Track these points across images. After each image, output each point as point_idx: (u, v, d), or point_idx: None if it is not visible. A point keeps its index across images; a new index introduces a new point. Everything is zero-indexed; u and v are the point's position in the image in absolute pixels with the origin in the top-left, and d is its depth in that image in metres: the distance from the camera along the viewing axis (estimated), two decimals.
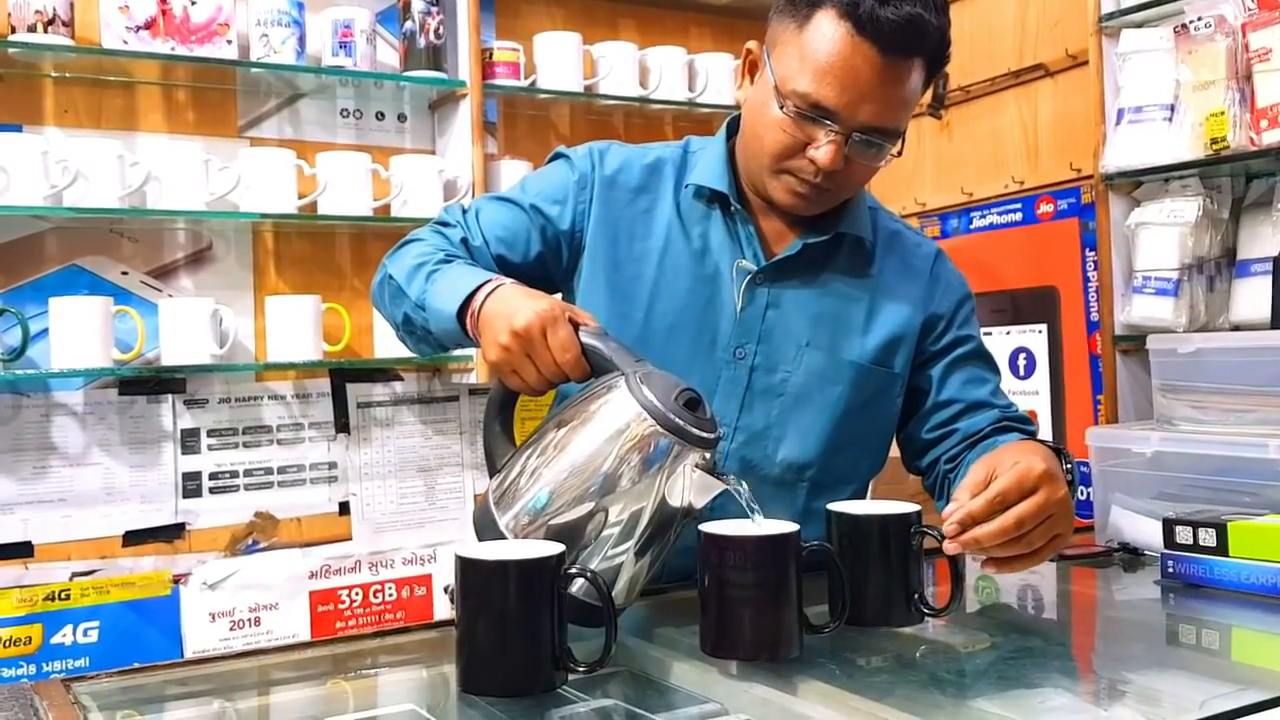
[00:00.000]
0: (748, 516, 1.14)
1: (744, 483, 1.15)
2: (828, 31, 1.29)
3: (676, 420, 1.11)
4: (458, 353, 2.75)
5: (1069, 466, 1.28)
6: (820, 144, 1.33)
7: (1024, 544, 1.17)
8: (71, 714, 1.06)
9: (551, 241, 1.47)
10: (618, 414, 1.13)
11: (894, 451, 1.58)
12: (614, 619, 1.05)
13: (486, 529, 1.17)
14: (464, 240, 1.44)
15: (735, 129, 1.49)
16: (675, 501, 1.14)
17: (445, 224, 1.48)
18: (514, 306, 1.20)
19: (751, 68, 1.43)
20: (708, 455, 1.14)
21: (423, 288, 1.34)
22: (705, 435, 1.13)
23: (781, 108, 1.33)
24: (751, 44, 1.43)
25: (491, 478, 1.22)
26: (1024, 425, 1.47)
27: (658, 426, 1.11)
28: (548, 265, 1.47)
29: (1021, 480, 1.16)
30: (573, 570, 1.07)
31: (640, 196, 1.49)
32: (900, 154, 1.38)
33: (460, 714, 1.11)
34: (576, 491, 1.13)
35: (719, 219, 1.47)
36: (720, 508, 1.16)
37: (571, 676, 1.08)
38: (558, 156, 1.53)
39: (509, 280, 1.29)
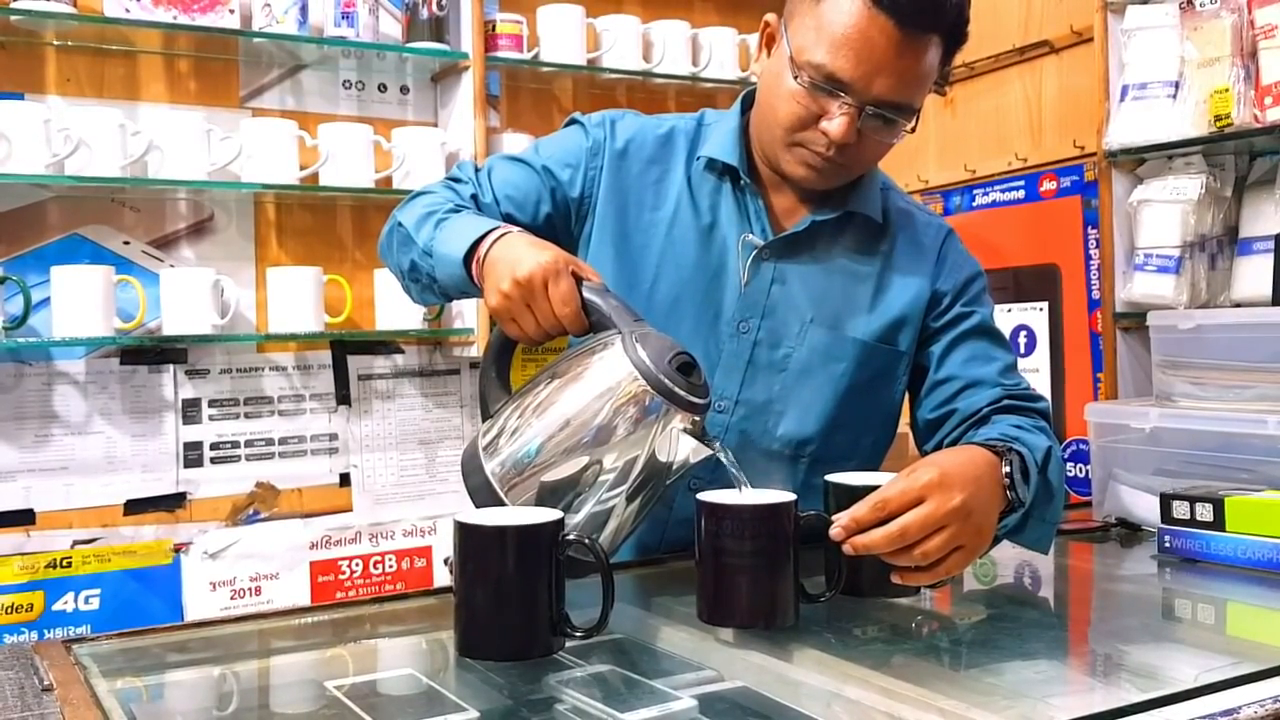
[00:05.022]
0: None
1: (728, 450, 1.16)
2: (845, 3, 1.28)
3: (666, 382, 1.12)
4: (458, 325, 2.75)
5: (1008, 471, 1.23)
6: (833, 116, 1.32)
7: (919, 554, 1.14)
8: (72, 674, 1.07)
9: (561, 205, 1.47)
10: (610, 371, 1.14)
11: (904, 428, 1.57)
12: (611, 585, 1.06)
13: (473, 473, 1.18)
14: (474, 196, 1.45)
15: (750, 103, 1.49)
16: (661, 461, 1.14)
17: (457, 179, 1.48)
18: (518, 255, 1.21)
19: (769, 40, 1.42)
20: (696, 419, 1.15)
21: (431, 234, 1.35)
22: (694, 400, 1.14)
23: (796, 78, 1.33)
24: (770, 16, 1.42)
25: (483, 423, 1.23)
26: (1029, 404, 1.44)
27: (648, 387, 1.12)
28: (556, 228, 1.47)
29: (905, 489, 1.14)
30: (571, 537, 1.07)
31: (652, 167, 1.48)
32: (914, 130, 1.37)
33: (458, 678, 1.12)
34: (564, 445, 1.14)
35: (729, 192, 1.47)
36: (722, 477, 1.17)
37: (569, 642, 1.09)
38: (572, 122, 1.53)
39: (516, 229, 1.29)
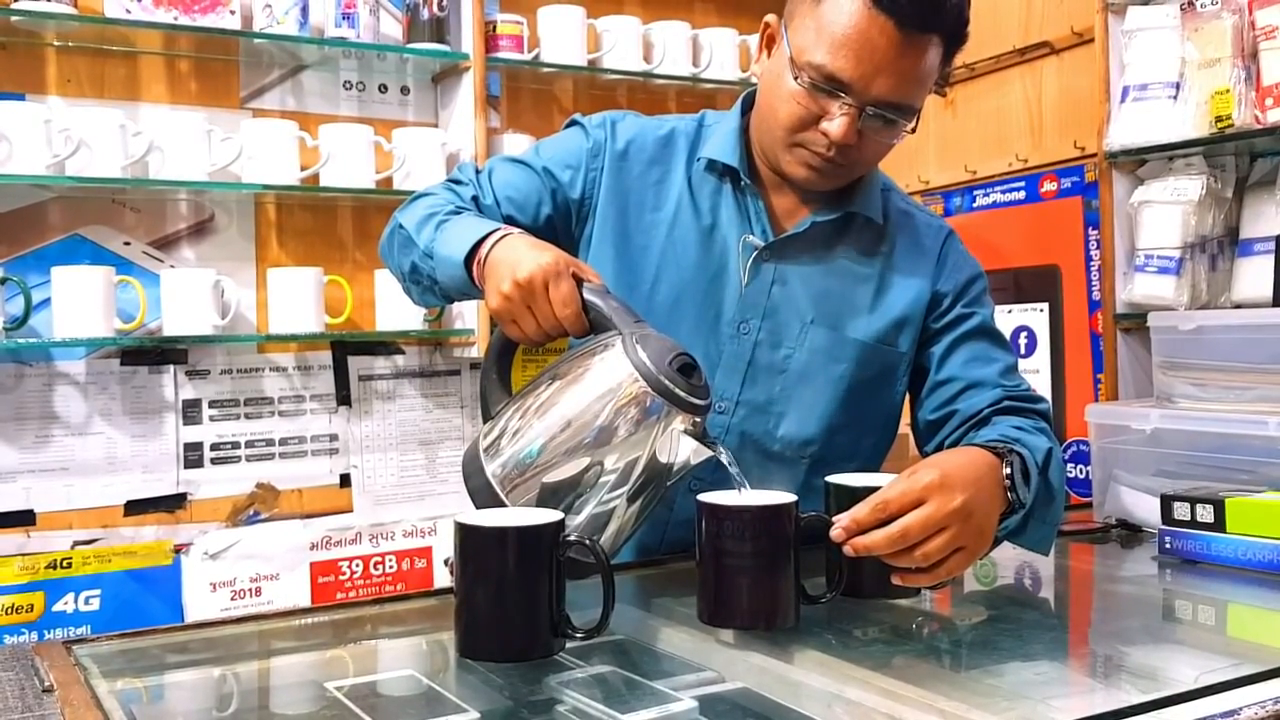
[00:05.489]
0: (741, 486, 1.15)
1: (729, 451, 1.16)
2: (845, 4, 1.28)
3: (667, 383, 1.12)
4: (459, 326, 2.76)
5: (1009, 473, 1.23)
6: (834, 116, 1.32)
7: (920, 556, 1.13)
8: (73, 675, 1.07)
9: (561, 206, 1.47)
10: (611, 373, 1.14)
11: (905, 429, 1.57)
12: (612, 586, 1.06)
13: (474, 475, 1.18)
14: (475, 198, 1.45)
15: (750, 104, 1.49)
16: (661, 463, 1.14)
17: (458, 181, 1.48)
18: (519, 256, 1.21)
19: (769, 41, 1.43)
20: (697, 421, 1.15)
21: (432, 236, 1.35)
22: (695, 401, 1.14)
23: (796, 79, 1.33)
24: (770, 18, 1.42)
25: (484, 424, 1.23)
26: (1030, 405, 1.44)
27: (648, 388, 1.12)
28: (556, 229, 1.47)
29: (905, 490, 1.13)
30: (572, 538, 1.07)
31: (652, 168, 1.48)
32: (914, 131, 1.37)
33: (458, 679, 1.12)
34: (565, 446, 1.14)
35: (729, 194, 1.47)
36: (723, 479, 1.17)
37: (569, 643, 1.09)
38: (573, 124, 1.53)
39: (517, 230, 1.30)
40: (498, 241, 1.26)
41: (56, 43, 2.47)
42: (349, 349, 2.78)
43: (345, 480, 2.77)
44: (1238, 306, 2.13)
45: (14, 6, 2.29)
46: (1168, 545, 1.60)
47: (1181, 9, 2.11)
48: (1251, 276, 2.11)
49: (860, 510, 1.14)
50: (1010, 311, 2.59)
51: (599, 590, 1.06)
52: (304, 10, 2.53)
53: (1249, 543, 1.51)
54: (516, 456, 1.16)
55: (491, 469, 1.17)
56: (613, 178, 1.47)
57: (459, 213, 1.38)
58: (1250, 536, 1.51)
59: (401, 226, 1.42)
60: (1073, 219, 2.47)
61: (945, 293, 1.50)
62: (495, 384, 1.26)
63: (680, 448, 1.14)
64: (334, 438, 2.76)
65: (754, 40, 1.49)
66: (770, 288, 1.44)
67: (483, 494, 1.17)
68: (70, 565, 2.46)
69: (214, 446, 2.62)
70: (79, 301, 2.32)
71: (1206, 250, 2.16)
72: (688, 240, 1.46)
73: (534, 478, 1.15)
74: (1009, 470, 1.24)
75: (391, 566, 2.80)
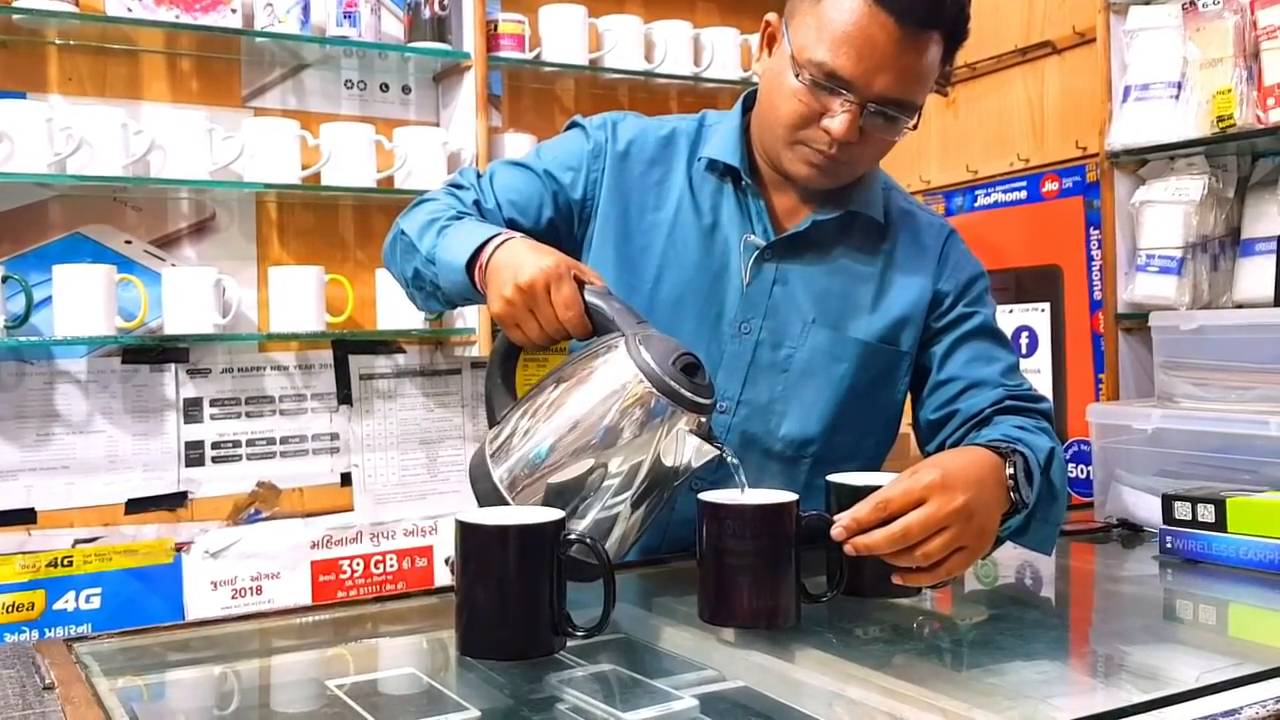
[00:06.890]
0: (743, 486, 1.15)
1: (732, 451, 1.16)
2: (845, 1, 1.28)
3: (671, 383, 1.12)
4: (460, 325, 2.76)
5: (1012, 473, 1.23)
6: (835, 114, 1.32)
7: (921, 555, 1.13)
8: (74, 673, 1.07)
9: (563, 208, 1.47)
10: (615, 374, 1.14)
11: (906, 429, 1.57)
12: (613, 585, 1.06)
13: (480, 479, 1.19)
14: (476, 202, 1.45)
15: (751, 104, 1.49)
16: (667, 464, 1.14)
17: (459, 186, 1.48)
18: (521, 260, 1.21)
19: (770, 40, 1.43)
20: (702, 420, 1.15)
21: (434, 242, 1.35)
22: (699, 400, 1.14)
23: (798, 77, 1.33)
24: (770, 16, 1.42)
25: (490, 428, 1.23)
26: (1032, 405, 1.44)
27: (652, 388, 1.12)
28: (559, 231, 1.47)
29: (907, 489, 1.13)
30: (572, 536, 1.07)
31: (653, 168, 1.48)
32: (915, 128, 1.37)
33: (459, 677, 1.12)
34: (570, 449, 1.14)
35: (730, 193, 1.47)
36: (722, 478, 1.17)
37: (570, 642, 1.09)
38: (573, 125, 1.53)
39: (519, 234, 1.30)
40: (499, 246, 1.26)
41: (58, 41, 2.47)
42: (350, 348, 2.78)
43: (346, 479, 2.77)
44: (1239, 306, 2.13)
45: (16, 5, 2.29)
46: (1169, 545, 1.60)
47: (1183, 9, 2.11)
48: (1253, 276, 2.11)
49: (861, 509, 1.14)
50: (1011, 311, 2.59)
51: (600, 589, 1.06)
52: (305, 9, 2.52)
53: (1250, 542, 1.51)
54: (523, 460, 1.16)
55: (498, 473, 1.17)
56: (614, 178, 1.47)
57: (460, 218, 1.39)
58: (1251, 536, 1.52)
59: (404, 233, 1.42)
60: (1074, 219, 2.47)
61: (947, 292, 1.50)
62: (500, 388, 1.26)
63: (685, 448, 1.14)
64: (335, 436, 2.76)
65: (755, 39, 1.49)
66: (771, 287, 1.44)
67: (489, 499, 1.17)
68: (71, 563, 2.46)
69: (215, 445, 2.63)
70: (80, 300, 2.32)
71: (1208, 250, 2.16)
72: (689, 240, 1.46)
73: (540, 480, 1.15)
74: (1012, 470, 1.23)
75: (392, 565, 2.80)
